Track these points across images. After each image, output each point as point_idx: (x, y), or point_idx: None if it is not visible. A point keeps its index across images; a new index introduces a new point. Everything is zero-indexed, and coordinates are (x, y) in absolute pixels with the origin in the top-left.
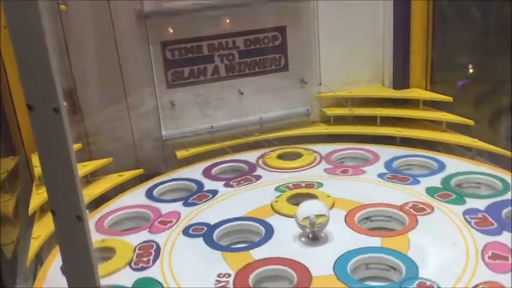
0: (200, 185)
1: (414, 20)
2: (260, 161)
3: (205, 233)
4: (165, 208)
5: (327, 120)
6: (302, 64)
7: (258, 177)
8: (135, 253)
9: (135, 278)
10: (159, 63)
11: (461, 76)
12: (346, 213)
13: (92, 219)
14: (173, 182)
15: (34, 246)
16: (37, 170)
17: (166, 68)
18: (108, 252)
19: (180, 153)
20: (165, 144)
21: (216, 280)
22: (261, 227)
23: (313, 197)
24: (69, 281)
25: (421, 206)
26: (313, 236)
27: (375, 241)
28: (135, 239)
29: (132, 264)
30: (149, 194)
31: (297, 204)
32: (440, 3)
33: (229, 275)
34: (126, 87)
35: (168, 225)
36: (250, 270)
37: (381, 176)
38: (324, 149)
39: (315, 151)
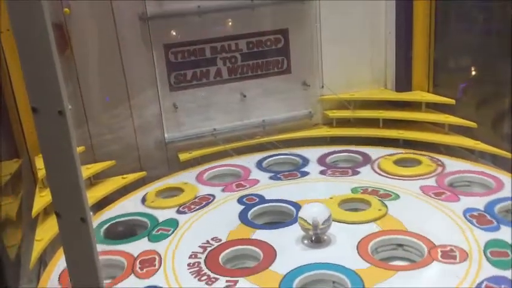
0: (304, 164)
1: (416, 21)
2: (377, 160)
3: (252, 204)
4: (253, 175)
5: (329, 122)
6: (304, 67)
7: (356, 173)
8: (192, 201)
9: (169, 217)
10: (162, 65)
11: (464, 78)
12: (375, 231)
13: (197, 170)
14: (282, 156)
15: (37, 248)
16: (40, 173)
17: (169, 70)
18: (177, 192)
19: (183, 156)
20: (168, 147)
21: (207, 240)
22: (294, 214)
23: (367, 204)
24: (73, 282)
25: (456, 253)
26: (316, 238)
27: (359, 264)
28: (205, 190)
29: (181, 208)
30: (259, 164)
31: (346, 208)
32: (442, 5)
33: (220, 241)
34: (129, 89)
35: (239, 188)
36: (234, 244)
37: (466, 212)
38: (454, 165)
39: (440, 164)
